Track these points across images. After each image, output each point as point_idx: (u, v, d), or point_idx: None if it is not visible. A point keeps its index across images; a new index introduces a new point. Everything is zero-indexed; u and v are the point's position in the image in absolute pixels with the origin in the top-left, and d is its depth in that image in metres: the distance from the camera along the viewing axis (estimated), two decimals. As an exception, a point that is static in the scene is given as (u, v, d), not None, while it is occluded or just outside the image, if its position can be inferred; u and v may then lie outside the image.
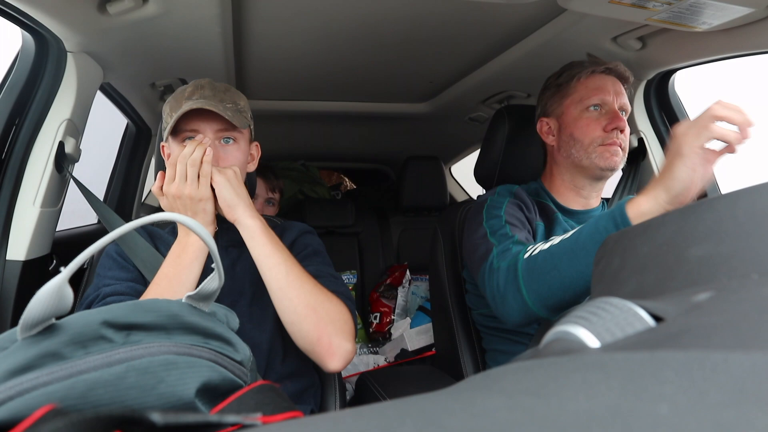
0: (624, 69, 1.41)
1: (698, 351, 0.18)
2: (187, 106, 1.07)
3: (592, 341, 0.24)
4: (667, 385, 0.17)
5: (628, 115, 1.40)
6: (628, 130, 1.37)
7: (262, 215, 1.57)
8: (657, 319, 0.25)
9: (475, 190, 3.43)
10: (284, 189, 2.68)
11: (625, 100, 1.40)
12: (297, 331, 1.03)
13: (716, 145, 0.93)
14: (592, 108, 1.37)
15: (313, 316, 1.01)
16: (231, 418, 0.35)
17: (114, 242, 1.18)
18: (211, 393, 0.44)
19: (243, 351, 0.52)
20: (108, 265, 1.15)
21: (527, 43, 1.67)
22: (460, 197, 3.63)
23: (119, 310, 0.43)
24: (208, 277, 0.48)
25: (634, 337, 0.23)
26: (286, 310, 1.03)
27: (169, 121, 1.11)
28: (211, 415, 0.34)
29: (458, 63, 1.93)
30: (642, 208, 0.95)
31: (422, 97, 2.40)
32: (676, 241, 0.33)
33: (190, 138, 1.12)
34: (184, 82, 1.90)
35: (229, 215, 1.07)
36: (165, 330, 0.44)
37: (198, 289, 0.48)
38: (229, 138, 1.14)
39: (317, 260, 1.21)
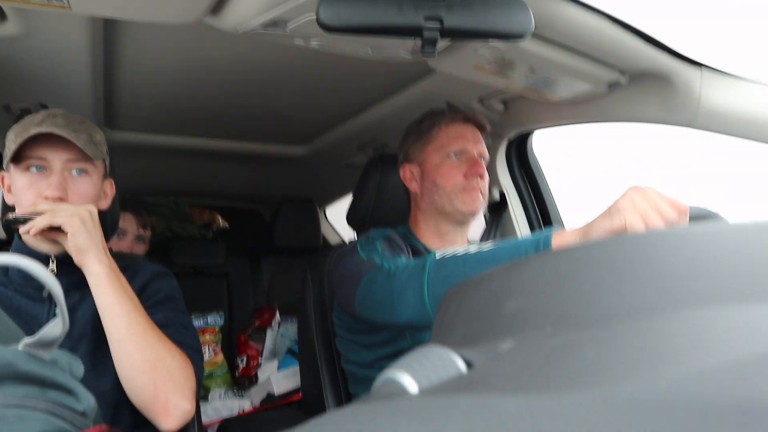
0: (481, 118, 1.50)
1: (481, 395, 0.22)
2: (35, 130, 1.01)
3: (413, 387, 0.27)
4: (455, 426, 0.20)
5: (487, 163, 1.49)
6: (487, 176, 1.45)
7: (127, 254, 1.49)
8: (470, 365, 0.28)
9: (349, 234, 3.49)
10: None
11: (484, 147, 1.48)
12: (133, 387, 0.98)
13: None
14: (453, 155, 1.43)
15: (152, 372, 0.97)
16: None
17: None
18: (45, 446, 0.41)
19: (86, 401, 0.49)
20: None
21: (402, 96, 1.77)
22: (334, 240, 3.67)
23: (-58, 359, 0.40)
24: (50, 323, 0.46)
25: (446, 382, 0.26)
26: (123, 364, 0.98)
27: (12, 147, 1.04)
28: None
29: (335, 110, 1.99)
30: (567, 239, 0.95)
31: (300, 140, 2.43)
32: (499, 294, 0.38)
33: (36, 167, 1.06)
34: (45, 107, 1.78)
35: (77, 259, 1.02)
36: (-5, 380, 0.41)
37: (38, 335, 0.45)
38: (81, 169, 1.10)
39: (168, 307, 1.17)
